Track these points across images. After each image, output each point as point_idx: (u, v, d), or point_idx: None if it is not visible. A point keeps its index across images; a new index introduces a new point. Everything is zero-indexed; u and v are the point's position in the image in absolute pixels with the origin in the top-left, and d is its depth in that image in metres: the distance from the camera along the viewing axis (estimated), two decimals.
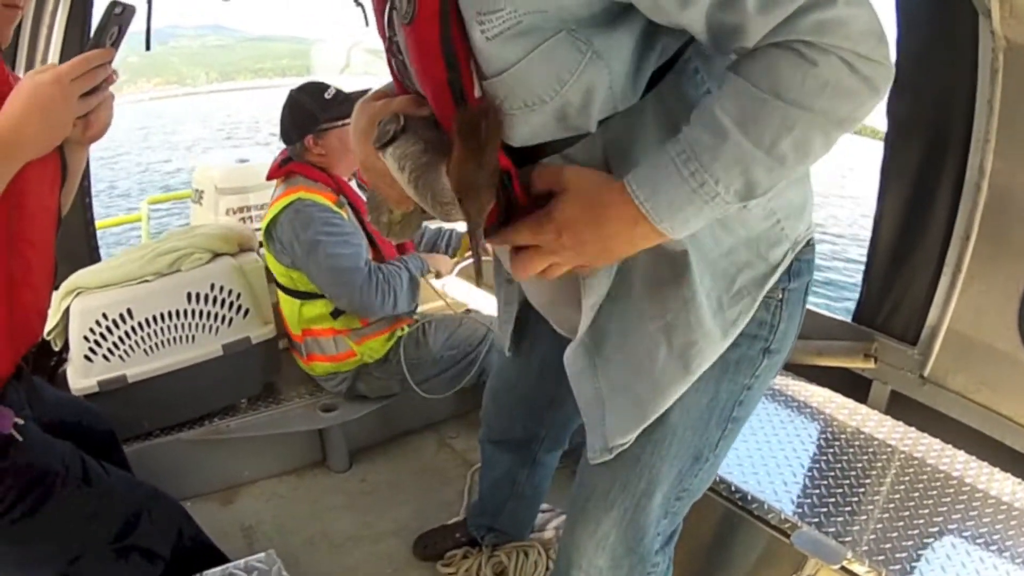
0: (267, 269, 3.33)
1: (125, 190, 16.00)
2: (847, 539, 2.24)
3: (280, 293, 3.32)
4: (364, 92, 2.85)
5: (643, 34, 1.20)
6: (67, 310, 2.92)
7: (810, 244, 1.56)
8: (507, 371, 2.32)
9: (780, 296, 1.54)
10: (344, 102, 3.10)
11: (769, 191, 1.18)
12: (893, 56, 1.14)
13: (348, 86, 3.15)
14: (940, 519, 2.37)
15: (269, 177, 3.27)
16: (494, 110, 1.22)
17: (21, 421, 1.76)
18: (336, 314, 3.22)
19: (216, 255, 3.18)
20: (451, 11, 1.18)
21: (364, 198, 3.27)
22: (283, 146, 3.24)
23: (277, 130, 3.24)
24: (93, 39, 1.62)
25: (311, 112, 3.11)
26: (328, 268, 3.03)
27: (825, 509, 2.35)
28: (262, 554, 2.12)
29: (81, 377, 2.94)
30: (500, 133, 1.22)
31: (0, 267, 1.64)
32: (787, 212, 1.46)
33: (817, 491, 2.41)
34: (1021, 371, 2.80)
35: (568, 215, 1.25)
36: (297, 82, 3.24)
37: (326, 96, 3.11)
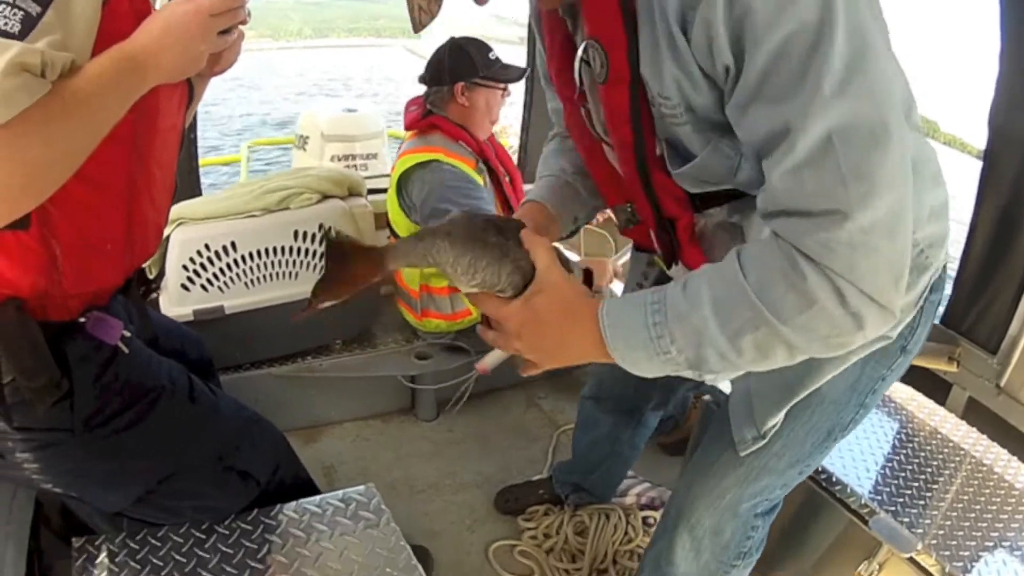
0: (379, 216, 3.36)
1: (216, 139, 16.05)
2: (918, 531, 2.25)
3: None
4: (523, 70, 2.92)
5: None
6: (167, 239, 2.94)
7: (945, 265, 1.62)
8: None
9: (922, 304, 1.59)
10: (504, 68, 3.13)
11: (718, 374, 1.24)
12: (991, 95, 1.12)
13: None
14: (1001, 526, 2.37)
15: (408, 127, 3.25)
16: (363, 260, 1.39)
17: (128, 334, 1.77)
18: None
19: (325, 197, 3.20)
20: (641, 80, 1.25)
21: (498, 164, 3.29)
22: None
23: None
24: None
25: (473, 61, 3.10)
26: None
27: (901, 500, 2.36)
28: (361, 487, 2.15)
29: (176, 305, 2.96)
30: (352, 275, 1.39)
31: (125, 180, 1.65)
32: (930, 242, 1.49)
33: (895, 482, 2.43)
34: None
35: (540, 313, 1.31)
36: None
37: (490, 56, 3.12)
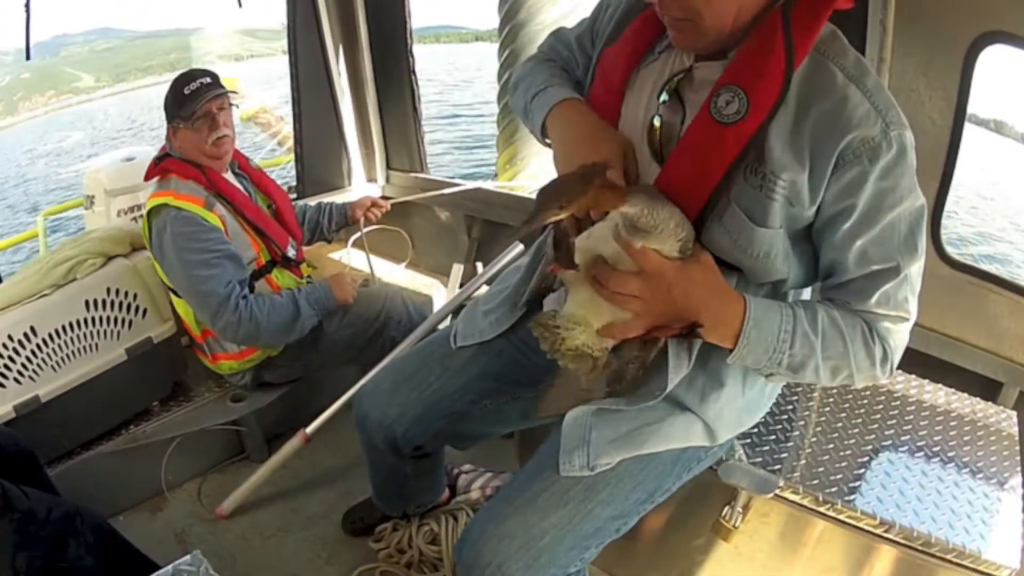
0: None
1: (30, 216, 15.58)
2: (776, 467, 2.23)
3: (173, 296, 3.25)
4: (206, 93, 2.81)
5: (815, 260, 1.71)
6: None
7: None
8: (428, 366, 2.24)
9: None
10: (193, 100, 3.01)
11: (796, 377, 1.70)
12: None
13: (230, 71, 3.09)
14: (872, 436, 2.40)
15: (147, 176, 3.16)
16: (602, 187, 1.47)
17: None
18: None
19: (109, 258, 3.13)
20: (756, 143, 1.53)
21: (243, 189, 3.25)
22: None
23: (164, 128, 3.14)
24: None
25: (168, 105, 3.05)
26: (185, 288, 3.01)
27: (748, 440, 2.34)
28: (188, 556, 2.08)
29: None
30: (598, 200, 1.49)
31: None
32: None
33: None
34: (938, 282, 2.88)
35: (694, 278, 1.59)
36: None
37: (185, 91, 3.02)
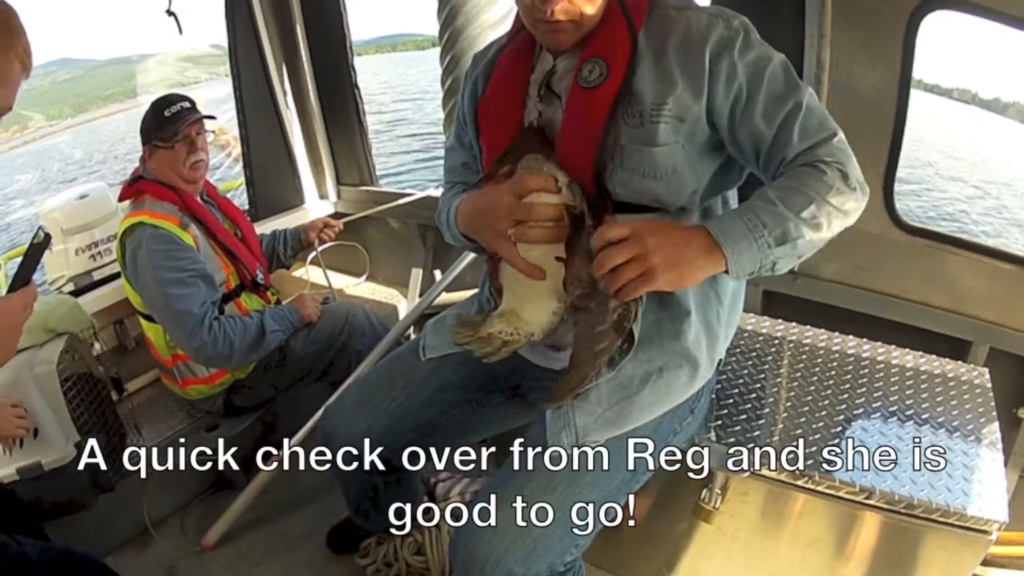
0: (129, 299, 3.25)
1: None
2: (750, 445, 2.24)
3: (143, 321, 3.24)
4: (188, 115, 2.83)
5: (721, 167, 1.92)
6: None
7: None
8: (392, 380, 2.27)
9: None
10: (173, 123, 3.02)
11: (797, 243, 1.69)
12: None
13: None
14: (844, 405, 2.41)
15: (121, 197, 3.16)
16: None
17: None
18: None
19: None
20: (625, 93, 1.80)
21: (216, 216, 3.25)
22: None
23: (133, 155, 3.14)
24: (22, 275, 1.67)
25: (146, 127, 3.06)
26: (160, 307, 2.99)
27: (720, 421, 2.35)
28: None
29: None
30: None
31: None
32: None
33: (711, 397, 2.39)
34: (895, 249, 2.93)
35: (659, 238, 1.63)
36: (151, 99, 3.12)
37: (166, 113, 3.03)
